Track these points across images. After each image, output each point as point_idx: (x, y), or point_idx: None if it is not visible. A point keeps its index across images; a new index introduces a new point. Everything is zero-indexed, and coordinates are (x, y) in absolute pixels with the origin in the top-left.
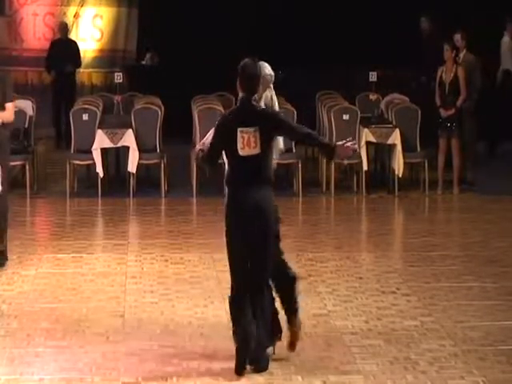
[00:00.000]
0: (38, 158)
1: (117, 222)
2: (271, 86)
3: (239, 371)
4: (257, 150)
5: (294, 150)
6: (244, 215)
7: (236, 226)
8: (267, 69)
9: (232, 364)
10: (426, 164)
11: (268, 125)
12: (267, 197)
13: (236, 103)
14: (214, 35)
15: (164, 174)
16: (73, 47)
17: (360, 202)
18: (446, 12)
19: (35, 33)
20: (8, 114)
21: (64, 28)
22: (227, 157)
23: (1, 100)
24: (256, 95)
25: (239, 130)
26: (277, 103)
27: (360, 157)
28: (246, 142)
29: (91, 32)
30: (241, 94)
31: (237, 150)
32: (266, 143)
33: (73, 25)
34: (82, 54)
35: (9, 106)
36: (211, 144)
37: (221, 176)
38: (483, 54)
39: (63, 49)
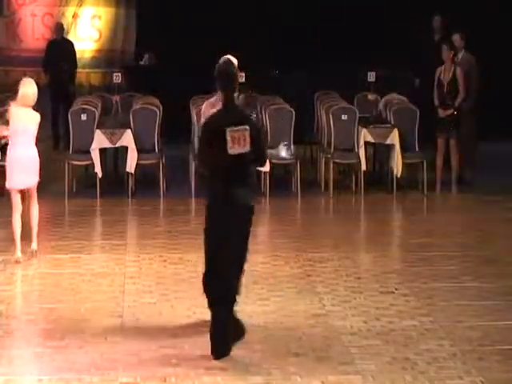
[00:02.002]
0: None
1: (115, 223)
2: None
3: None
4: (247, 148)
5: (292, 151)
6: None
7: None
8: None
9: (231, 365)
10: (425, 164)
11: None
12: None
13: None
14: (212, 35)
15: (162, 174)
16: (69, 47)
17: (358, 202)
18: (445, 12)
19: (34, 33)
20: None
21: (60, 28)
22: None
23: None
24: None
25: (228, 129)
26: None
27: (358, 157)
28: (237, 141)
29: (89, 32)
30: (223, 93)
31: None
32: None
33: (71, 25)
34: (80, 55)
35: None
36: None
37: None
38: (482, 54)
39: (59, 49)
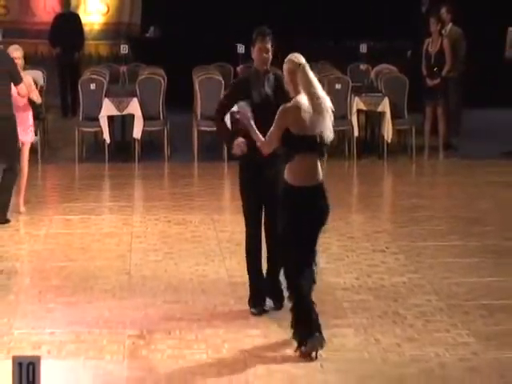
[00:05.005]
0: (48, 125)
1: (123, 186)
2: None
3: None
4: None
5: None
6: None
7: None
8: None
9: (231, 318)
10: (414, 130)
11: None
12: None
13: None
14: (213, 10)
15: (167, 140)
16: (75, 21)
17: (351, 167)
18: None
19: (45, 6)
20: (23, 95)
21: (66, 2)
22: None
23: (9, 83)
24: None
25: None
26: None
27: (351, 124)
28: None
29: (98, 6)
30: None
31: None
32: None
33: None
34: (89, 27)
35: (22, 86)
36: None
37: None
38: (469, 26)
39: (66, 22)
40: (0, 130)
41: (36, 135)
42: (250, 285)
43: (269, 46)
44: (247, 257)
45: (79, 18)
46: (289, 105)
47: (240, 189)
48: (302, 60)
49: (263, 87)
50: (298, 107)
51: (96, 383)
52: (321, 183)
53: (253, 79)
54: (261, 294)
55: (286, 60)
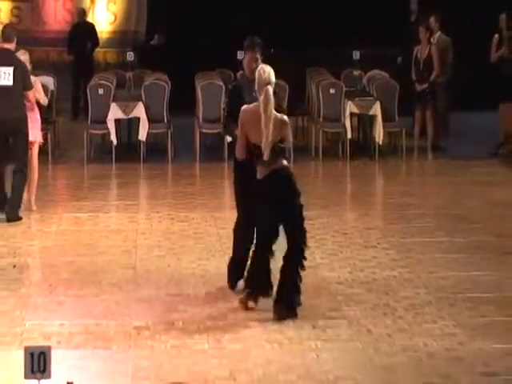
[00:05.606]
0: (58, 128)
1: (128, 185)
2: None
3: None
4: None
5: None
6: None
7: None
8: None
9: (230, 310)
10: (404, 132)
11: None
12: None
13: None
14: (214, 18)
15: (170, 142)
16: (90, 28)
17: (344, 167)
18: None
19: (56, 16)
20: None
21: (81, 13)
22: None
23: (22, 88)
24: None
25: None
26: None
27: (345, 126)
28: None
29: (106, 16)
30: None
31: None
32: None
33: (89, 9)
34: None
35: (30, 93)
36: None
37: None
38: (457, 35)
39: (82, 31)
40: (12, 130)
41: (46, 137)
42: (231, 259)
43: (258, 56)
44: (234, 234)
45: (94, 25)
46: (249, 106)
47: (234, 180)
48: (268, 76)
49: (254, 92)
50: (256, 111)
51: (103, 372)
52: (275, 169)
53: (245, 85)
54: (239, 270)
55: (258, 68)
